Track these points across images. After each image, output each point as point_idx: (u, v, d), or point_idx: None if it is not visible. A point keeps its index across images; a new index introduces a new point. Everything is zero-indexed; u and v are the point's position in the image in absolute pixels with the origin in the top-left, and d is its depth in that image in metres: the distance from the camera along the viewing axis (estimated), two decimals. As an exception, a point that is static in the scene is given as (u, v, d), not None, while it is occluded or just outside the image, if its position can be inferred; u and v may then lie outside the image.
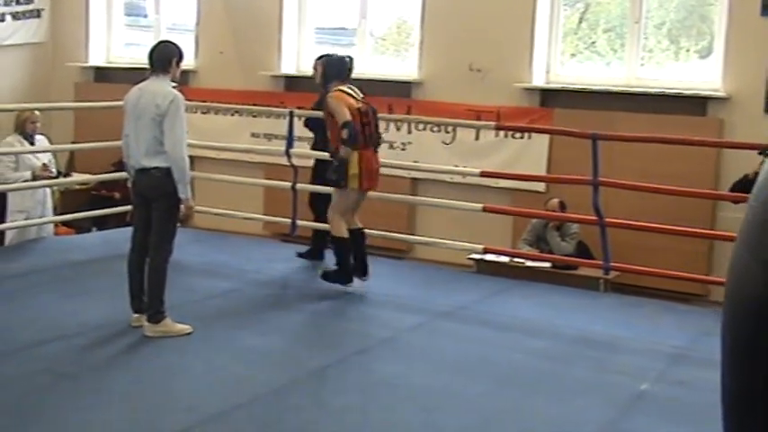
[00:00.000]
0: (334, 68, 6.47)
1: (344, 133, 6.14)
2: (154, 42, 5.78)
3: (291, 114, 7.61)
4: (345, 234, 6.41)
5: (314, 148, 7.55)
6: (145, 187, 5.41)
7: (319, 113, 6.78)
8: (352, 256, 6.50)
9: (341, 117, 6.16)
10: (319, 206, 7.26)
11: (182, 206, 5.41)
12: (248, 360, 5.02)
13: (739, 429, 1.99)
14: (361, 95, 6.40)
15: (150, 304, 5.36)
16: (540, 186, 8.15)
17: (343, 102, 6.23)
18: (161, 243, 5.41)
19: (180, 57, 5.51)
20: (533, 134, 8.15)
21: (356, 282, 6.51)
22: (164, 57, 5.44)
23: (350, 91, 6.37)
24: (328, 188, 6.72)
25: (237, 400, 4.40)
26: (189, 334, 5.36)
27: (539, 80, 8.38)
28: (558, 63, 8.48)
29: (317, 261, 7.35)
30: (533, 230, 7.93)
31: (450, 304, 6.33)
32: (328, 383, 4.71)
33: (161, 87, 5.37)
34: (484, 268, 7.61)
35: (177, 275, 5.73)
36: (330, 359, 5.03)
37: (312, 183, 7.51)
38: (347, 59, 6.55)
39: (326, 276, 6.52)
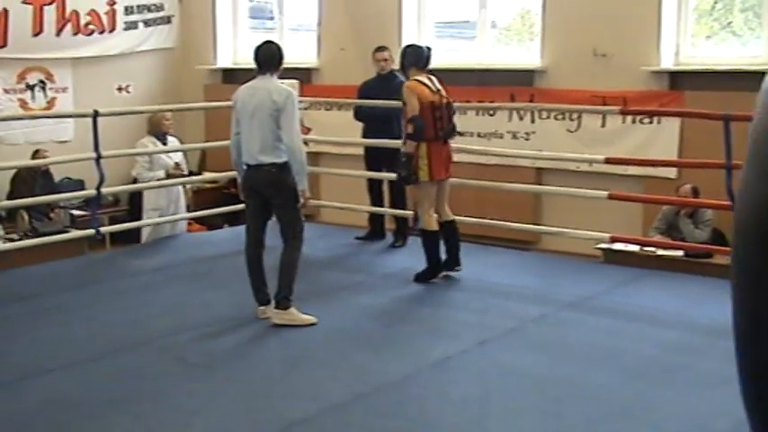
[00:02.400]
0: (412, 57, 6.46)
1: (409, 128, 6.20)
2: (280, 44, 5.90)
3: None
4: (435, 227, 6.41)
5: (365, 136, 7.93)
6: (261, 183, 5.51)
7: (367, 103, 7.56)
8: (445, 249, 6.51)
9: (409, 110, 6.21)
10: (374, 191, 7.95)
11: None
12: (371, 350, 5.05)
13: (750, 364, 2.01)
14: (438, 87, 6.37)
15: (279, 291, 5.47)
16: (672, 173, 7.86)
17: (416, 93, 6.22)
18: (293, 234, 5.54)
19: (282, 56, 5.63)
20: (663, 119, 7.88)
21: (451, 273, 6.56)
22: (271, 56, 5.58)
23: (427, 81, 6.35)
24: (383, 175, 7.53)
25: (359, 389, 4.43)
26: (313, 324, 5.43)
27: (667, 63, 8.09)
28: (687, 44, 8.16)
29: (378, 240, 7.91)
30: (664, 218, 7.65)
31: (577, 295, 6.18)
32: (450, 374, 4.69)
33: (274, 84, 5.51)
34: (612, 258, 7.40)
35: (302, 268, 5.81)
36: (453, 350, 5.00)
37: (370, 169, 7.96)
38: (425, 48, 6.55)
39: (418, 278, 6.50)
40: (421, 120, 6.16)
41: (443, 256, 6.55)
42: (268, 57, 5.57)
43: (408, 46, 6.77)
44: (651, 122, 8.03)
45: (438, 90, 6.37)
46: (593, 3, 8.27)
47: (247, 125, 5.49)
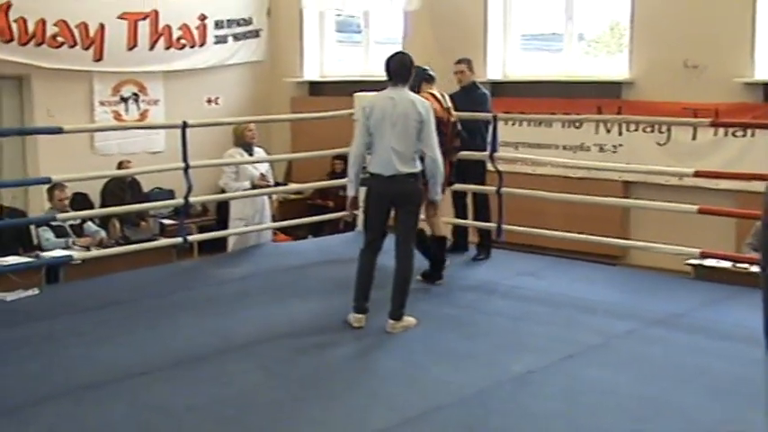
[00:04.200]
0: (420, 73, 6.47)
1: None
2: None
3: (495, 119, 7.54)
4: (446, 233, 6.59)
5: None
6: (397, 193, 5.55)
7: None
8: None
9: None
10: (458, 203, 7.84)
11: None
12: (452, 362, 5.02)
13: None
14: (449, 105, 6.38)
15: (401, 302, 5.56)
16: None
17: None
18: (412, 239, 5.66)
19: (413, 67, 5.69)
20: (756, 131, 7.66)
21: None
22: (403, 67, 5.62)
23: (439, 96, 6.36)
24: (468, 187, 7.52)
25: (440, 401, 4.40)
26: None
27: (762, 74, 7.86)
28: (783, 55, 7.93)
29: (462, 253, 7.77)
30: (758, 234, 7.42)
31: (666, 311, 6.03)
32: (533, 388, 4.62)
33: (415, 96, 5.60)
34: (703, 274, 7.19)
35: (383, 278, 5.82)
36: (536, 364, 4.93)
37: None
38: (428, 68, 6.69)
39: (426, 277, 6.65)
40: None
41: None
42: (401, 68, 5.60)
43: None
44: (744, 135, 7.81)
45: (448, 108, 6.38)
46: (684, 14, 8.10)
47: (387, 135, 5.49)
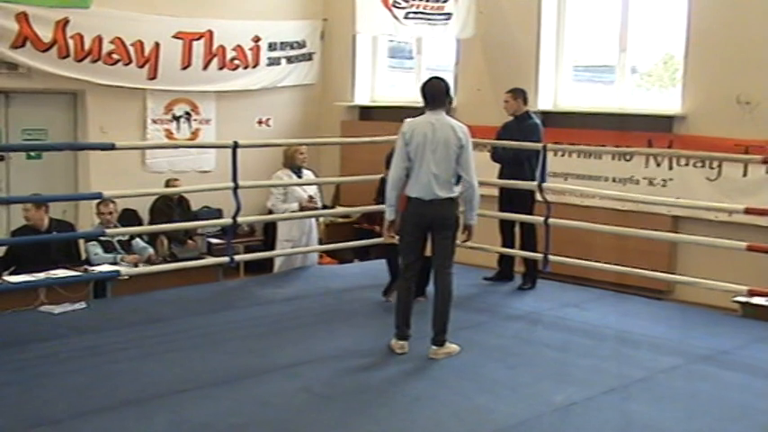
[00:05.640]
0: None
1: None
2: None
3: (545, 149, 7.53)
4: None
5: (500, 177, 7.90)
6: (436, 217, 5.57)
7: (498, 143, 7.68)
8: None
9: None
10: (505, 232, 7.91)
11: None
12: (494, 392, 5.00)
13: None
14: None
15: (443, 328, 5.59)
16: (816, 226, 7.50)
17: None
18: (450, 268, 5.68)
19: (450, 92, 5.77)
20: (810, 169, 7.54)
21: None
22: (441, 92, 5.68)
23: None
24: (516, 216, 7.66)
25: (480, 430, 4.39)
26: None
27: (815, 112, 7.76)
28: (839, 93, 7.80)
29: (508, 282, 7.88)
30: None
31: (711, 348, 5.97)
32: (574, 420, 4.58)
33: (454, 121, 5.64)
34: (750, 312, 7.09)
35: (429, 306, 5.83)
36: (578, 396, 4.89)
37: (503, 210, 7.88)
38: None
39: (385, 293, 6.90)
40: None
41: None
42: (438, 92, 5.66)
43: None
44: (797, 173, 7.69)
45: None
46: (738, 49, 8.02)
47: (428, 159, 5.53)
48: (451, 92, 5.79)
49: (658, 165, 8.46)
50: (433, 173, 5.51)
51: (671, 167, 8.39)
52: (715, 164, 8.04)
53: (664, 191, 8.34)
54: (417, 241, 5.66)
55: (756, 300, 6.97)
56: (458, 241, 5.76)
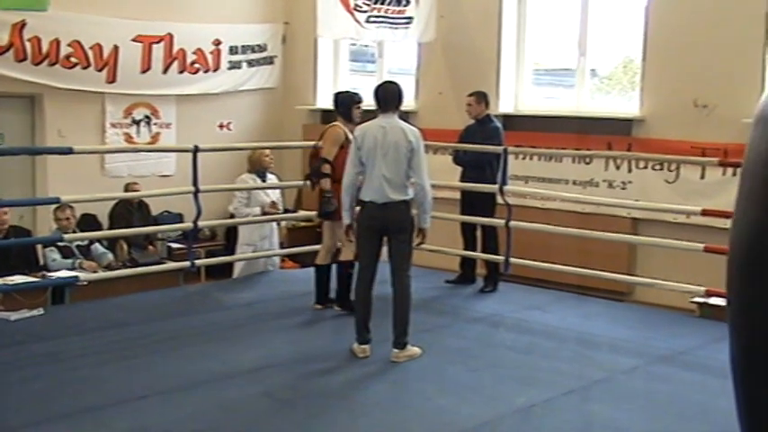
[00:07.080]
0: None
1: (327, 168, 6.53)
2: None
3: (506, 152, 7.59)
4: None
5: (462, 181, 7.96)
6: (390, 220, 5.58)
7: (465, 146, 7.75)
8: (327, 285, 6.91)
9: (325, 152, 6.63)
10: (467, 235, 7.94)
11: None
12: (456, 394, 5.01)
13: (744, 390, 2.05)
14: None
15: (403, 331, 5.59)
16: (774, 227, 7.60)
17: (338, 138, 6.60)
18: (408, 270, 5.66)
19: (403, 95, 5.76)
20: (765, 172, 7.64)
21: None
22: (393, 96, 5.71)
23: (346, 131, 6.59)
24: (477, 219, 7.70)
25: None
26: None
27: (771, 115, 7.87)
28: (793, 96, 7.93)
29: (469, 285, 7.92)
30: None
31: (670, 348, 6.04)
32: (536, 422, 4.61)
33: (405, 125, 5.66)
34: (708, 313, 7.18)
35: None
36: (539, 398, 4.93)
37: (465, 213, 7.96)
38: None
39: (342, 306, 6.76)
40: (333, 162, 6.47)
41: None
42: (390, 96, 5.70)
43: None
44: (753, 175, 7.80)
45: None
46: (696, 53, 8.13)
47: (379, 163, 5.55)
48: (403, 96, 5.76)
49: (618, 168, 8.54)
50: (384, 176, 5.53)
51: (630, 170, 8.47)
52: (673, 166, 8.14)
53: (623, 193, 8.42)
54: (372, 245, 5.67)
55: (714, 300, 7.05)
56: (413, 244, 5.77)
